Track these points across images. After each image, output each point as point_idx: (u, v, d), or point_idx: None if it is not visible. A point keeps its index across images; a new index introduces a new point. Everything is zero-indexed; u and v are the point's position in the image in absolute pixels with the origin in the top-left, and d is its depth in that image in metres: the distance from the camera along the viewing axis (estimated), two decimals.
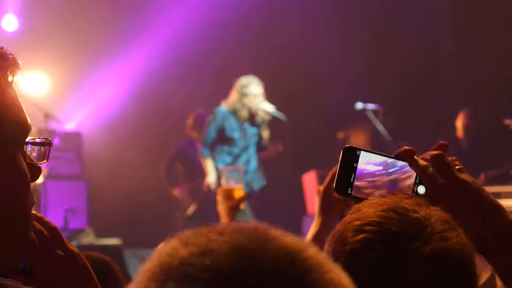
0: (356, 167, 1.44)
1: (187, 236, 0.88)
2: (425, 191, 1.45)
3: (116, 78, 10.37)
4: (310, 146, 9.52)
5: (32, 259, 1.36)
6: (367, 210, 1.30)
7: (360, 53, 9.74)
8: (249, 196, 3.38)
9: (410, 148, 1.46)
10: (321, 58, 9.82)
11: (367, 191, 1.45)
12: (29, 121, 1.33)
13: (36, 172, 1.33)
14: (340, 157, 1.45)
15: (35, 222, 1.37)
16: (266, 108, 7.94)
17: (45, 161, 1.37)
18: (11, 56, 1.30)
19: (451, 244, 1.27)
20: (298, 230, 8.22)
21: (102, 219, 9.16)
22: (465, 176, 1.43)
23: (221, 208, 3.24)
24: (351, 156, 1.45)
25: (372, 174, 1.45)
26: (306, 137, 9.36)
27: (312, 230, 2.49)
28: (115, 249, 8.02)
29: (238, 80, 7.91)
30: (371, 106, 8.47)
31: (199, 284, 0.81)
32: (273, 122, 8.14)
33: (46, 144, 1.37)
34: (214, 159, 7.93)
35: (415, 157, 1.45)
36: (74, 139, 9.29)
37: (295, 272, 0.83)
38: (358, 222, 1.29)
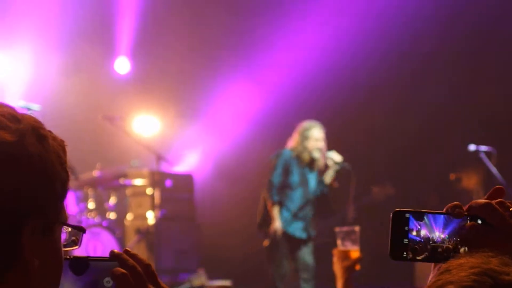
0: (408, 230, 1.45)
1: None
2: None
3: (227, 120, 10.51)
4: (417, 187, 9.42)
5: None
6: (458, 273, 1.28)
7: (473, 95, 9.60)
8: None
9: (456, 202, 1.44)
10: (436, 97, 9.73)
11: (422, 252, 1.46)
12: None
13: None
14: (390, 222, 1.46)
15: (127, 258, 1.38)
16: (333, 157, 7.86)
17: (76, 247, 1.35)
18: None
19: None
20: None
21: (213, 261, 9.24)
22: None
23: (337, 268, 3.28)
24: (401, 219, 1.46)
25: (425, 234, 1.46)
26: (416, 178, 9.25)
27: None
28: None
29: (300, 124, 7.90)
30: (484, 148, 8.33)
31: None
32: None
33: (81, 230, 1.35)
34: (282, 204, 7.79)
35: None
36: (186, 181, 9.45)
37: None
38: (451, 286, 1.28)
